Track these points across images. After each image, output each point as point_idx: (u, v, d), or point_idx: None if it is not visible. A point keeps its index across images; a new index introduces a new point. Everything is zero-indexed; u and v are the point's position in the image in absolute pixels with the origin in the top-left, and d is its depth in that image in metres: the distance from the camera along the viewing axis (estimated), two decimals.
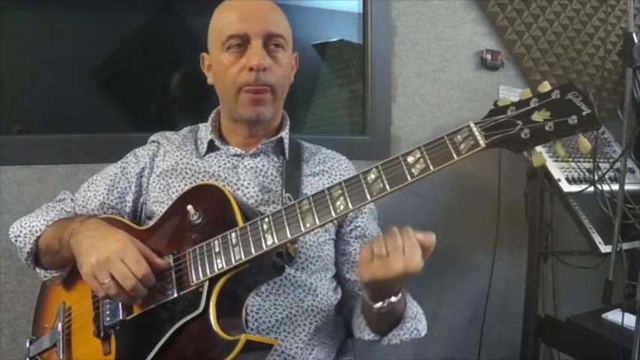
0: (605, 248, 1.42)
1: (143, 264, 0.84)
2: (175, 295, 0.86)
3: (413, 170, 0.74)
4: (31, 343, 1.05)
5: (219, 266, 0.84)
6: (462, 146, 0.73)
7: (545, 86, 0.72)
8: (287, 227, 0.81)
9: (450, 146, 0.73)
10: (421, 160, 0.74)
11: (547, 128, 0.70)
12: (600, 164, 1.57)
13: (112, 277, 0.83)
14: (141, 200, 1.08)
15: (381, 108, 1.71)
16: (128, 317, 0.90)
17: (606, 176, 1.44)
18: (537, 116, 0.71)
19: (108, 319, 0.91)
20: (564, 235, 1.81)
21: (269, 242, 0.81)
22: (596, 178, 1.44)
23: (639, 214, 1.43)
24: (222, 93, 1.05)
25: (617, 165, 1.39)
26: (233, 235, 0.84)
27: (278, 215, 0.82)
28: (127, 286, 0.82)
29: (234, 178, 1.03)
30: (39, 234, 1.01)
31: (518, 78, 1.91)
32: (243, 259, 0.82)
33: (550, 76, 1.93)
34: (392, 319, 0.93)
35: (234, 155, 1.05)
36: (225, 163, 1.05)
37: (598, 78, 1.97)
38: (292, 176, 1.05)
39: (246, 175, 1.03)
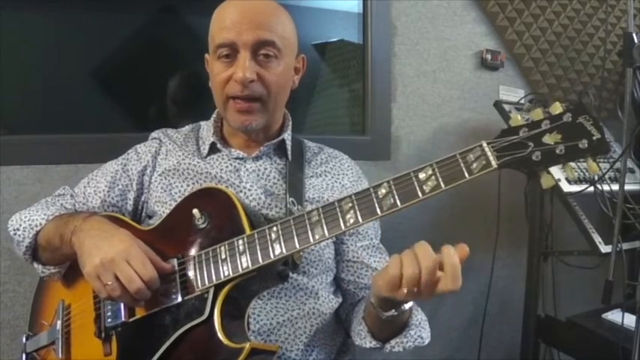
0: (605, 248, 1.42)
1: (149, 266, 0.83)
2: (180, 299, 0.86)
3: (424, 187, 0.74)
4: (27, 339, 1.04)
5: (226, 273, 0.84)
6: (474, 165, 0.73)
7: (556, 107, 0.72)
8: (295, 238, 0.80)
9: (462, 165, 0.73)
10: (432, 177, 0.74)
11: (558, 151, 0.71)
12: (600, 164, 1.57)
13: (117, 279, 0.82)
14: (142, 199, 1.07)
15: (381, 108, 1.71)
16: (130, 319, 0.89)
17: (606, 176, 1.44)
18: (548, 139, 0.71)
19: (109, 320, 0.90)
20: (564, 235, 1.81)
21: (277, 252, 0.81)
22: (596, 178, 1.44)
23: (639, 214, 1.43)
24: (214, 98, 1.04)
25: (617, 165, 1.39)
26: (240, 242, 0.84)
27: (286, 225, 0.82)
28: (132, 288, 0.81)
29: (236, 180, 1.02)
30: (38, 228, 0.99)
31: (518, 78, 1.91)
32: (250, 267, 0.82)
33: (550, 76, 1.93)
34: (396, 327, 0.91)
35: (236, 158, 1.05)
36: (227, 166, 1.04)
37: (598, 78, 1.97)
38: (295, 179, 1.04)
39: (248, 178, 1.02)
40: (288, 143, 1.07)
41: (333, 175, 1.10)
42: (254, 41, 0.94)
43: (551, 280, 1.83)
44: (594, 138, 0.70)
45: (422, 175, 0.75)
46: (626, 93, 1.27)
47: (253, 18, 0.95)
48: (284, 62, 1.00)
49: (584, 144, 0.70)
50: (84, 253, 0.87)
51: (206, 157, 1.06)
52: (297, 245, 0.80)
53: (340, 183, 1.09)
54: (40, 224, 0.99)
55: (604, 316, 1.50)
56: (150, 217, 1.06)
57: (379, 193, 0.76)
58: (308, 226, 0.80)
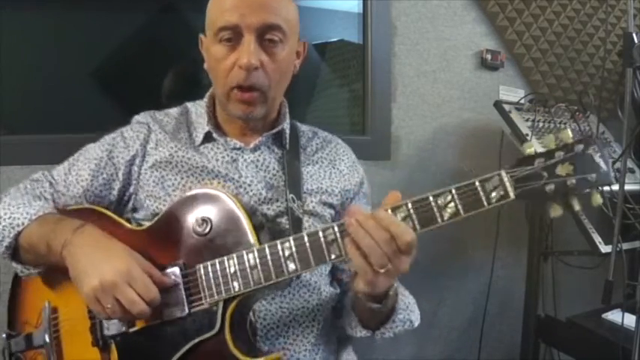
0: (605, 248, 1.42)
1: (152, 287, 0.81)
2: (186, 311, 0.84)
3: (444, 213, 0.75)
4: (9, 338, 0.98)
5: (236, 288, 0.82)
6: (493, 195, 0.74)
7: (567, 135, 0.74)
8: (311, 256, 0.80)
9: (481, 193, 0.74)
10: (452, 203, 0.75)
11: (569, 184, 0.73)
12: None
13: (117, 301, 0.79)
14: (130, 190, 1.01)
15: (381, 108, 1.71)
16: (130, 330, 0.86)
17: None
18: (561, 170, 0.73)
19: (107, 330, 0.87)
20: (564, 235, 1.81)
21: (291, 269, 0.81)
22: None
23: (639, 214, 1.43)
24: (214, 85, 1.01)
25: (617, 165, 1.39)
26: (250, 256, 0.82)
27: (300, 242, 0.81)
28: (134, 310, 0.79)
29: (235, 174, 0.99)
30: (20, 229, 0.91)
31: (518, 78, 1.91)
32: (263, 283, 0.82)
33: (550, 76, 1.93)
34: (384, 314, 0.90)
35: (234, 149, 1.01)
36: (223, 157, 1.00)
37: (598, 78, 1.97)
38: (292, 169, 1.02)
39: (248, 172, 0.99)
40: (287, 132, 1.05)
41: (330, 161, 1.08)
42: (259, 25, 0.91)
43: (551, 280, 1.83)
44: (602, 171, 0.72)
45: (441, 201, 0.76)
46: (626, 93, 1.26)
47: (257, 1, 0.92)
48: (288, 46, 0.96)
49: (592, 177, 0.72)
50: (79, 271, 0.82)
51: (199, 145, 1.01)
52: (313, 263, 0.80)
53: (337, 169, 1.08)
54: (23, 224, 0.91)
55: (604, 316, 1.51)
56: (135, 210, 1.00)
57: (398, 216, 0.76)
58: (324, 245, 0.79)
